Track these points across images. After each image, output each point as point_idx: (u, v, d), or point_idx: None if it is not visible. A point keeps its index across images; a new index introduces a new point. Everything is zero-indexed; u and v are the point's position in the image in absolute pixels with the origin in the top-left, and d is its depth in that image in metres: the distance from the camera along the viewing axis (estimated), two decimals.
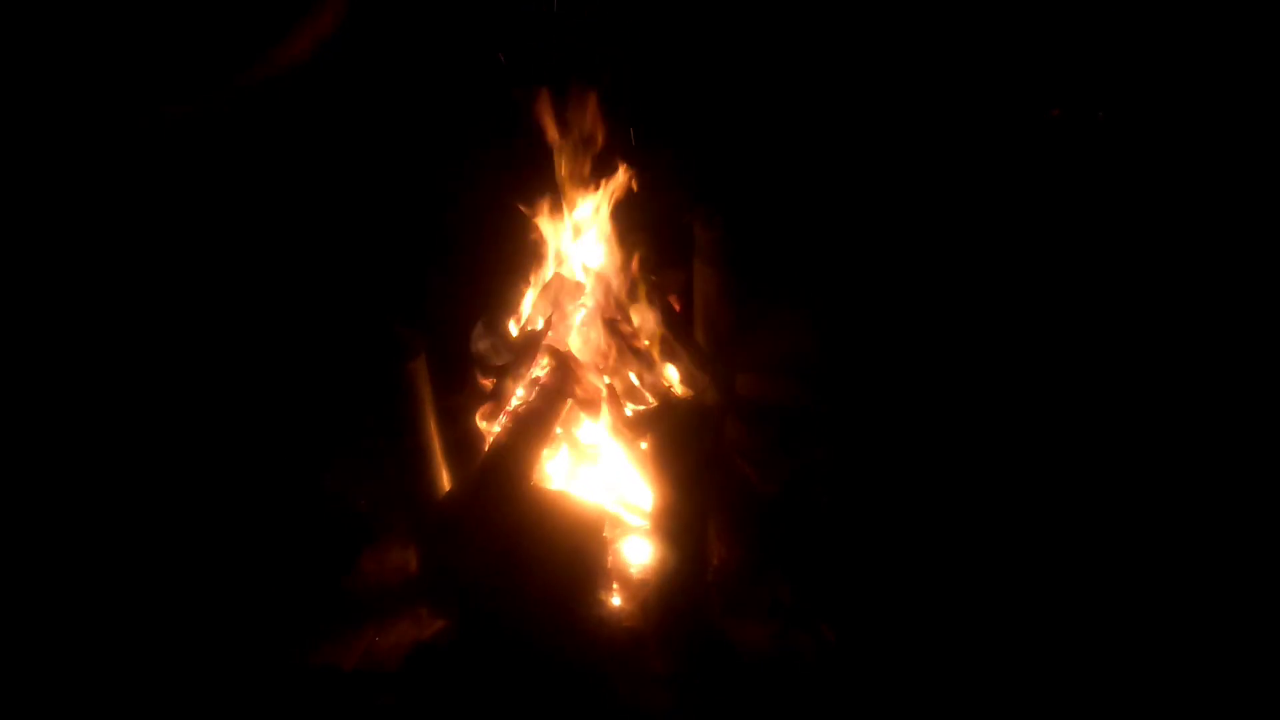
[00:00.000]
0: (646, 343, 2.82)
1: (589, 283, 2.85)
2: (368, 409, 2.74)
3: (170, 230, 3.55)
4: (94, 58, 3.05)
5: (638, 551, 2.61)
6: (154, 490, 3.05)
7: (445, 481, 2.68)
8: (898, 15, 4.31)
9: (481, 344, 2.82)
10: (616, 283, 2.84)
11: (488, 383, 2.79)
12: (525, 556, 2.43)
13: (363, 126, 3.70)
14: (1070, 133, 4.45)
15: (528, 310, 2.89)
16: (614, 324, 2.78)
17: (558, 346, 2.76)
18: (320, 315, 3.50)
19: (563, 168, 2.79)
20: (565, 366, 2.69)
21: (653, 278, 2.86)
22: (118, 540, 2.89)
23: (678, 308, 3.01)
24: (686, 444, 2.40)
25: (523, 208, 2.85)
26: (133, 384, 3.40)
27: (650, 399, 2.71)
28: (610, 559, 2.56)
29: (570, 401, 2.67)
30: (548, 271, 2.89)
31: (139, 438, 3.23)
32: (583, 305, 2.84)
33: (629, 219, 2.82)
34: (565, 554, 2.44)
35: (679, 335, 2.86)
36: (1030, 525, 2.83)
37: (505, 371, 2.75)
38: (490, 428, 2.73)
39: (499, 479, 2.54)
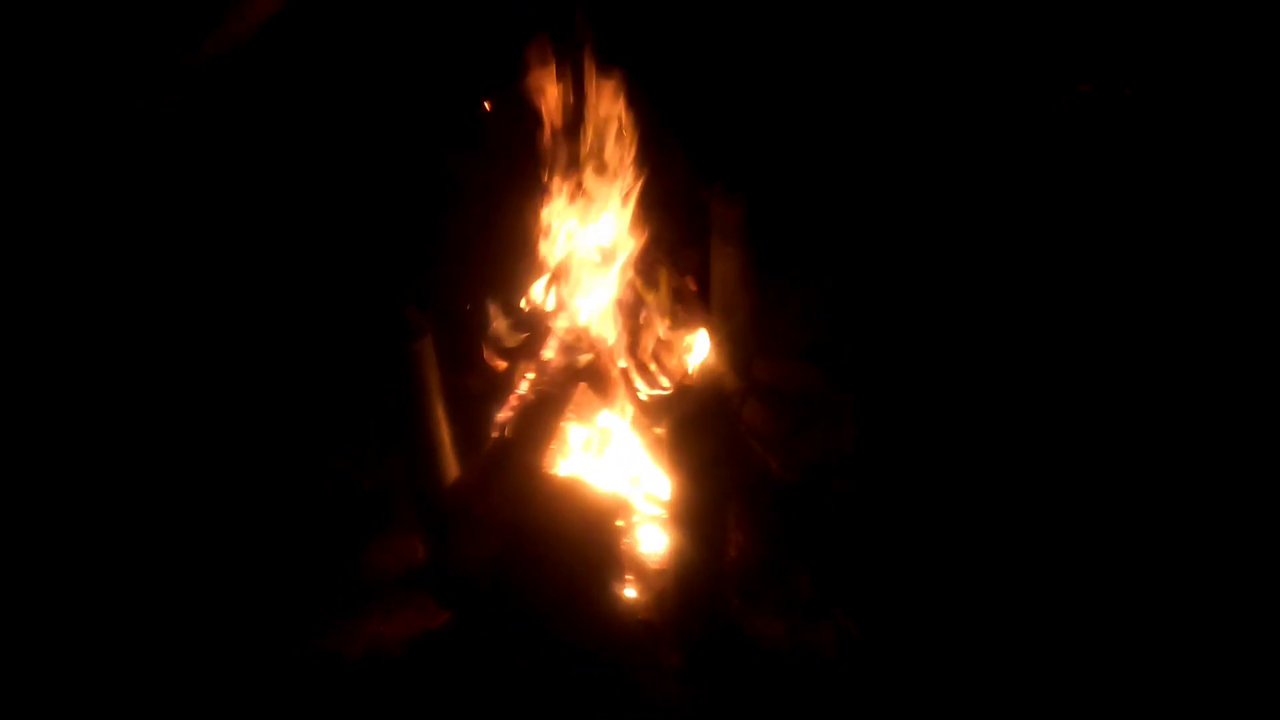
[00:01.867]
0: (662, 325, 2.73)
1: (603, 262, 2.77)
2: (374, 392, 2.68)
3: (174, 214, 3.52)
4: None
5: (653, 541, 2.54)
6: (160, 476, 3.01)
7: (454, 467, 2.60)
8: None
9: (492, 325, 2.74)
10: (631, 263, 2.76)
11: (498, 365, 2.73)
12: (536, 546, 2.38)
13: (365, 101, 3.65)
14: (1100, 109, 4.33)
15: (539, 291, 2.82)
16: (629, 305, 2.71)
17: (570, 328, 2.69)
18: (327, 295, 3.45)
19: (578, 141, 2.70)
20: (578, 349, 2.62)
21: (669, 257, 2.79)
22: (123, 525, 2.85)
23: (694, 288, 2.93)
24: (704, 430, 2.31)
25: (535, 184, 2.76)
26: (142, 369, 3.37)
27: (666, 383, 2.63)
28: (624, 548, 2.50)
29: (583, 385, 2.60)
30: (560, 251, 2.81)
31: (145, 423, 3.19)
32: (597, 286, 2.76)
33: (644, 196, 2.73)
34: (577, 543, 2.39)
35: (696, 317, 2.78)
36: (1058, 515, 2.73)
37: (516, 354, 2.69)
38: (500, 412, 2.66)
39: (509, 465, 2.49)
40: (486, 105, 2.82)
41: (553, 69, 2.63)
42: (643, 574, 2.51)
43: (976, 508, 2.77)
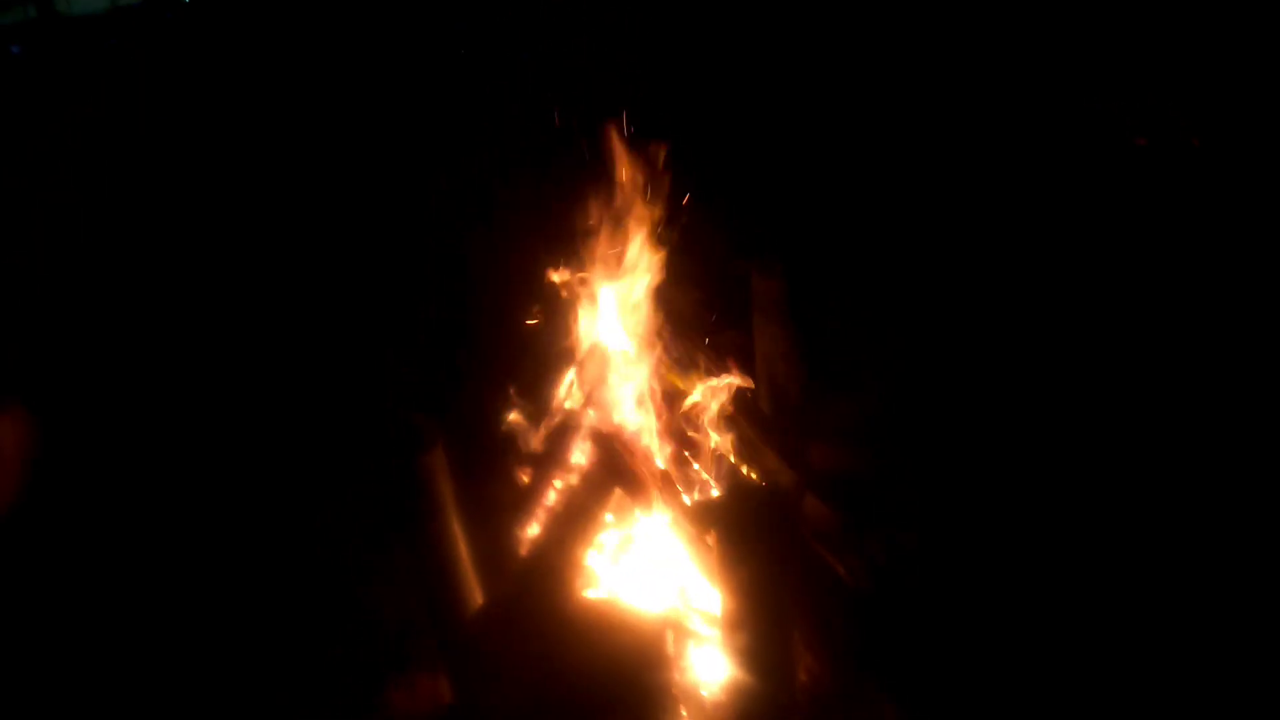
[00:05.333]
0: (703, 417, 2.52)
1: (634, 352, 2.58)
2: (386, 510, 2.47)
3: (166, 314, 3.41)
4: None
5: (709, 667, 2.28)
6: (157, 602, 2.81)
7: (477, 592, 2.37)
8: (972, 43, 4.05)
9: (514, 429, 2.58)
10: (666, 350, 2.59)
11: (522, 474, 2.53)
12: (574, 680, 2.16)
13: (377, 183, 3.55)
14: (1160, 164, 4.09)
15: (565, 388, 2.65)
16: (665, 398, 2.52)
17: (601, 428, 2.48)
18: (337, 402, 3.26)
19: (602, 222, 2.54)
20: (611, 451, 2.39)
21: (707, 340, 2.63)
22: (116, 660, 2.64)
23: (737, 372, 2.64)
24: (760, 537, 2.08)
25: (556, 270, 2.63)
26: (145, 483, 3.21)
27: (713, 484, 2.42)
28: (675, 678, 2.24)
29: (619, 491, 2.37)
30: (586, 342, 2.63)
31: (146, 542, 3.02)
32: (628, 379, 2.56)
33: (677, 274, 2.54)
34: (621, 675, 2.16)
35: (742, 404, 2.57)
36: (1176, 612, 2.41)
37: (542, 459, 2.50)
38: (526, 527, 2.45)
39: (538, 588, 2.27)
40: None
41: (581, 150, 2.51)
42: (699, 707, 2.24)
43: (1087, 607, 2.46)
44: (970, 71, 4.13)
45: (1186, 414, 3.08)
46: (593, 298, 2.61)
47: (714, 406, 2.55)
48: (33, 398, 2.62)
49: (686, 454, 2.47)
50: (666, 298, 2.59)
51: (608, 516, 2.40)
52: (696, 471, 2.45)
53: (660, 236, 2.55)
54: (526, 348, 2.72)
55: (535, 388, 2.66)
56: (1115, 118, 4.17)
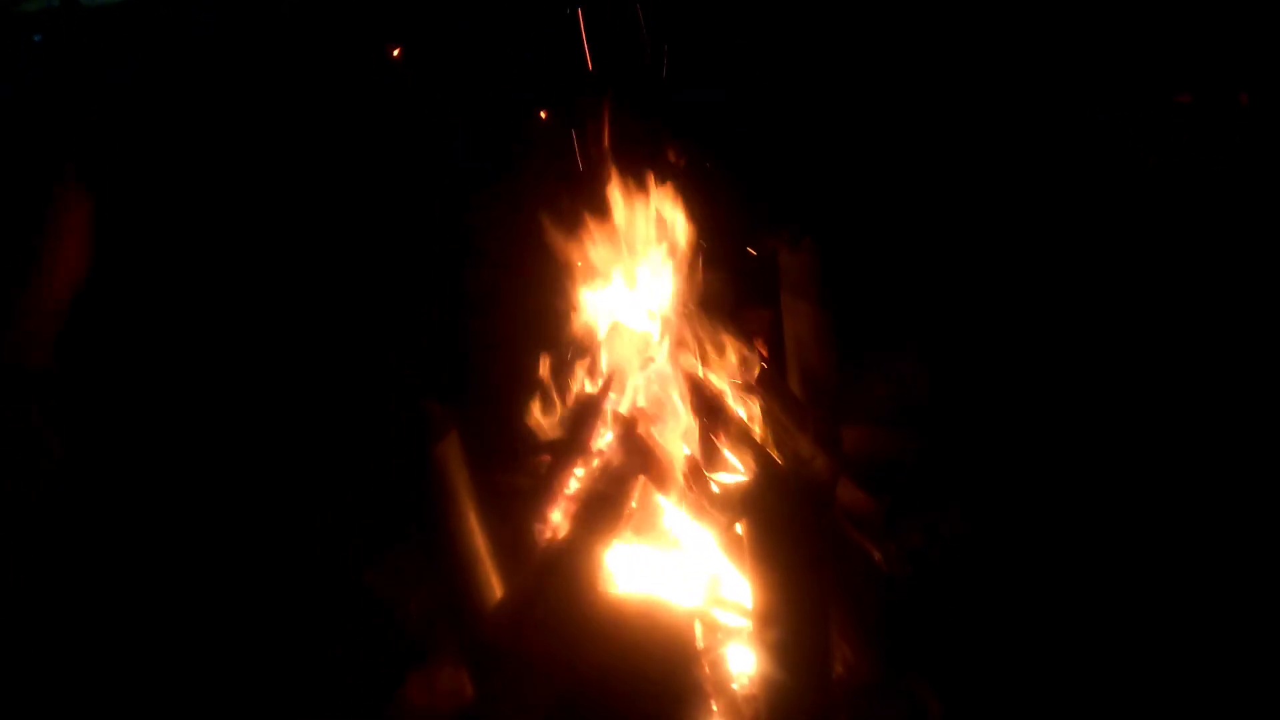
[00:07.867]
0: (732, 399, 2.42)
1: (656, 331, 2.50)
2: (401, 502, 2.41)
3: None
4: None
5: (742, 660, 2.20)
6: (165, 602, 2.71)
7: (496, 585, 2.31)
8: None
9: (531, 414, 2.49)
10: (690, 329, 2.48)
11: (541, 462, 2.45)
12: (599, 676, 2.08)
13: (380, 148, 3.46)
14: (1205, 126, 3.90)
15: (585, 371, 2.55)
16: (691, 380, 2.42)
17: (623, 412, 2.40)
18: (343, 389, 3.18)
19: (618, 193, 2.46)
20: (634, 436, 2.33)
21: (734, 318, 2.52)
22: (125, 662, 2.55)
23: (765, 352, 2.64)
24: (793, 526, 2.01)
25: (571, 245, 2.51)
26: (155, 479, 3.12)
27: (743, 470, 2.32)
28: (706, 673, 2.17)
29: (643, 479, 2.30)
30: (606, 320, 2.55)
31: (153, 542, 2.92)
32: (650, 359, 2.48)
33: (700, 249, 2.45)
34: (650, 670, 2.08)
35: (771, 386, 2.47)
36: (1244, 604, 2.30)
37: (561, 447, 2.41)
38: (547, 517, 2.36)
39: (561, 581, 2.18)
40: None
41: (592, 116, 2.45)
42: (730, 704, 2.16)
43: (1143, 595, 2.36)
44: (1008, 35, 3.98)
45: (1251, 397, 2.95)
46: (611, 275, 2.53)
47: (742, 389, 2.46)
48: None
49: (714, 439, 2.37)
50: (689, 275, 2.51)
51: (632, 505, 2.32)
52: (724, 457, 2.37)
53: (681, 210, 2.46)
54: (543, 328, 2.63)
55: (553, 370, 2.56)
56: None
